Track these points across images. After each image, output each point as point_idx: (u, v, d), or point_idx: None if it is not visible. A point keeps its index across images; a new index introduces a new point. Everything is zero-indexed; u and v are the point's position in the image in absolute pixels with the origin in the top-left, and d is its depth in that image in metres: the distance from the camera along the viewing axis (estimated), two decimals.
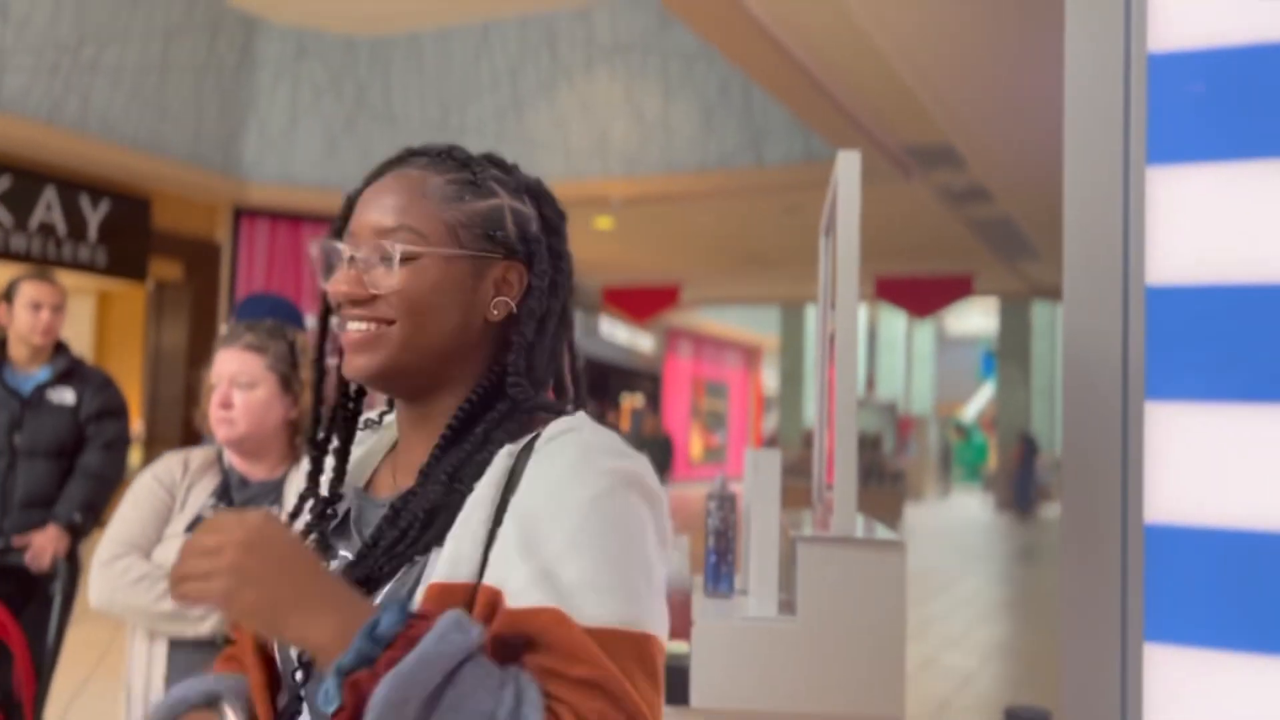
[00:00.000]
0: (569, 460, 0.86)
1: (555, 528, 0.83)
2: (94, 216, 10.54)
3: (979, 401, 26.81)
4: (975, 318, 25.65)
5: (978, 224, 11.46)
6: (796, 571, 1.84)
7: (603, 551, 0.81)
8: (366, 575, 0.89)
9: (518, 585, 0.81)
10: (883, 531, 1.96)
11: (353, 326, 0.94)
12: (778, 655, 1.70)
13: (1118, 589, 1.77)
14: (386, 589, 0.88)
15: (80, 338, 13.53)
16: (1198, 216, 1.70)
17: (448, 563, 0.85)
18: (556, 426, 0.90)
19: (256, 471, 2.00)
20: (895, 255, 12.90)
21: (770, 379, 24.91)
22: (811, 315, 20.87)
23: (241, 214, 11.24)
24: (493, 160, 1.01)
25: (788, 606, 1.91)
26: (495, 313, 0.95)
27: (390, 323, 0.92)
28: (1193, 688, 1.62)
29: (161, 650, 1.86)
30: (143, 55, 9.98)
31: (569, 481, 0.85)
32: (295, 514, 1.01)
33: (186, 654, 1.86)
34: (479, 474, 0.89)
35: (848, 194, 1.80)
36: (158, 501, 1.94)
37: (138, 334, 12.99)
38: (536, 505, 0.85)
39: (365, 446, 1.06)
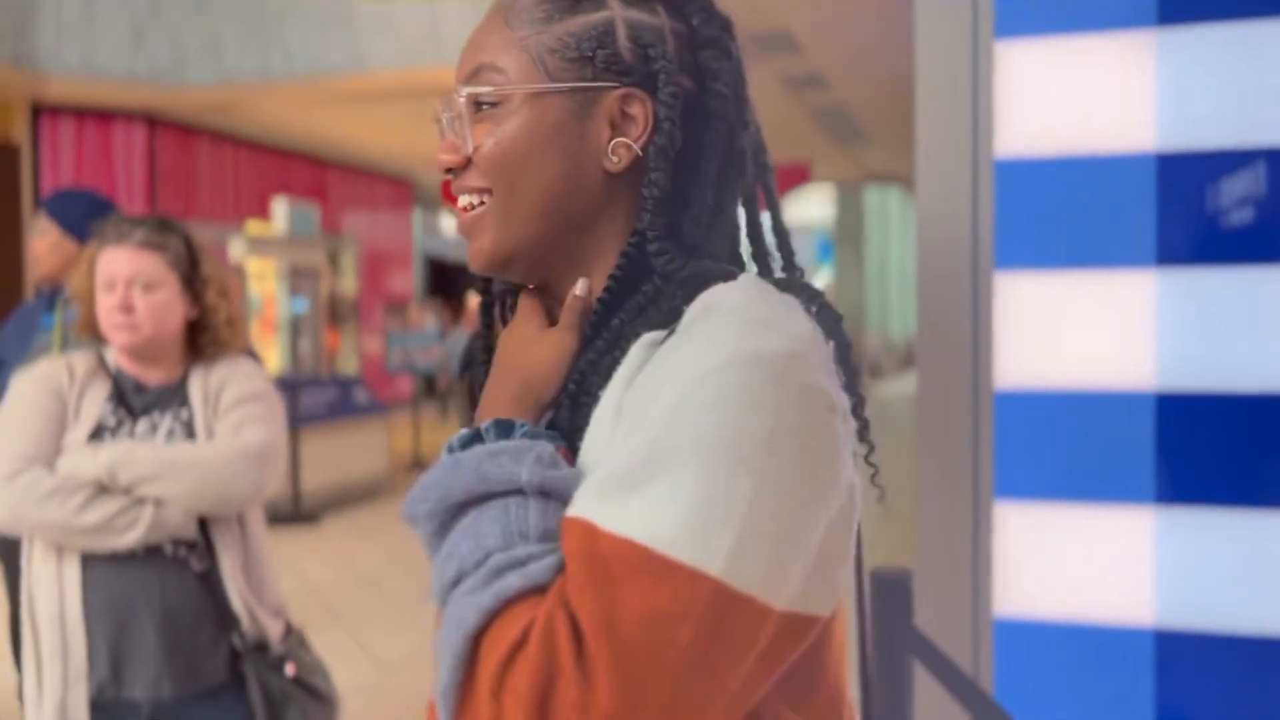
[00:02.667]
0: (694, 336, 0.67)
1: (640, 416, 0.65)
2: None
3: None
4: (812, 206, 26.27)
5: (815, 111, 11.62)
6: None
7: (675, 449, 0.62)
8: None
9: (583, 488, 0.66)
10: None
11: (460, 204, 0.78)
12: None
13: (970, 452, 1.86)
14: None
15: None
16: (1042, 90, 1.75)
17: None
18: (702, 300, 0.70)
19: (152, 376, 1.86)
20: None
21: None
22: None
23: (41, 111, 10.33)
24: None
25: None
26: (615, 158, 0.74)
27: (487, 193, 0.76)
28: (1037, 538, 1.73)
29: (73, 569, 1.74)
30: None
31: (679, 360, 0.66)
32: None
33: (104, 569, 1.74)
34: (608, 378, 0.72)
35: None
36: (49, 411, 1.78)
37: None
38: (640, 393, 0.67)
39: None
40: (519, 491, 0.66)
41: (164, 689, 1.76)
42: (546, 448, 0.68)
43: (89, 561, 1.75)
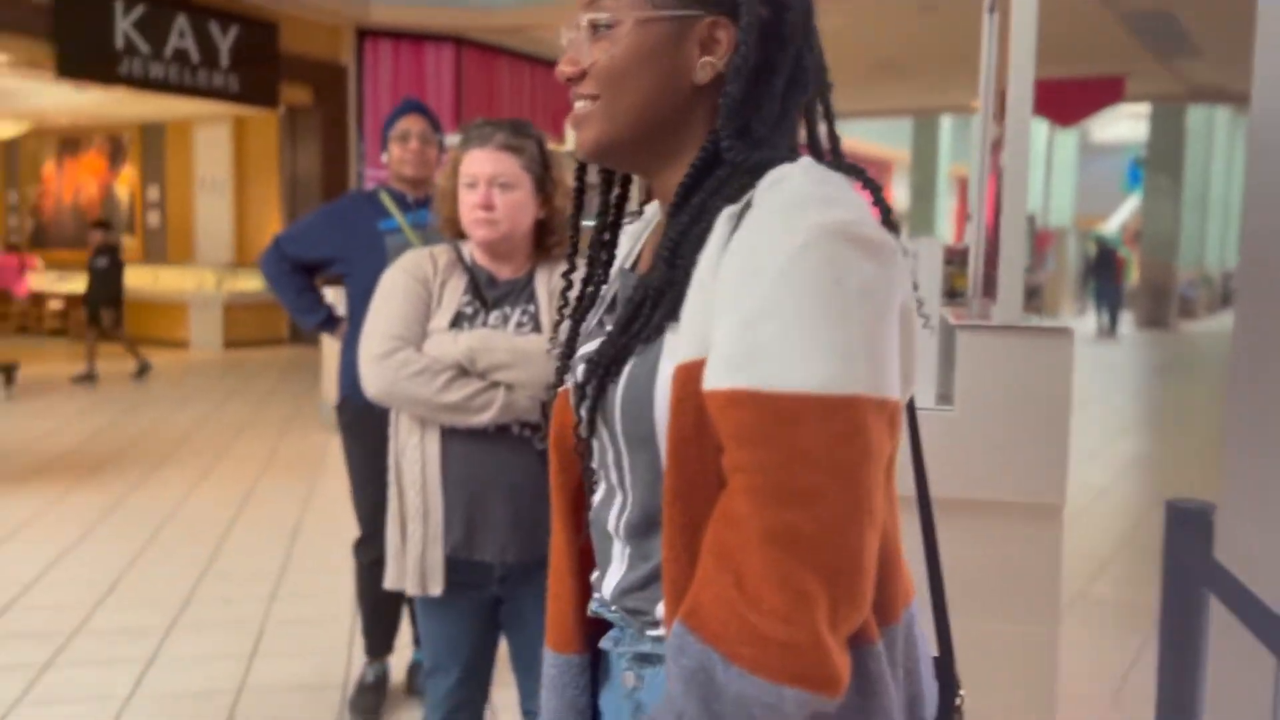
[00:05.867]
0: (771, 215, 0.82)
1: (748, 293, 0.79)
2: (224, 43, 10.68)
3: (1122, 214, 25.54)
4: (1123, 124, 24.12)
5: (1132, 19, 10.60)
6: (955, 361, 1.82)
7: (794, 312, 0.76)
8: (614, 354, 0.90)
9: (713, 361, 0.80)
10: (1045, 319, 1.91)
11: (575, 105, 0.95)
12: (935, 445, 1.71)
13: None
14: (628, 368, 0.89)
15: (220, 164, 13.98)
16: None
17: (687, 340, 0.83)
18: (771, 177, 0.85)
19: (503, 270, 2.02)
20: (1040, 57, 12.10)
21: (899, 195, 24.18)
22: (947, 127, 19.97)
23: (365, 35, 11.22)
24: None
25: (944, 398, 1.90)
26: (702, 73, 0.91)
27: (596, 98, 0.93)
28: None
29: (434, 441, 1.95)
30: None
31: (766, 240, 0.80)
32: (578, 300, 1.05)
33: (460, 444, 1.94)
34: (700, 245, 0.87)
35: None
36: (417, 297, 1.97)
37: (273, 159, 13.34)
38: (736, 269, 0.81)
39: (635, 230, 1.08)
40: None
41: (509, 554, 1.96)
42: None
43: (447, 436, 1.95)
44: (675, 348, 0.84)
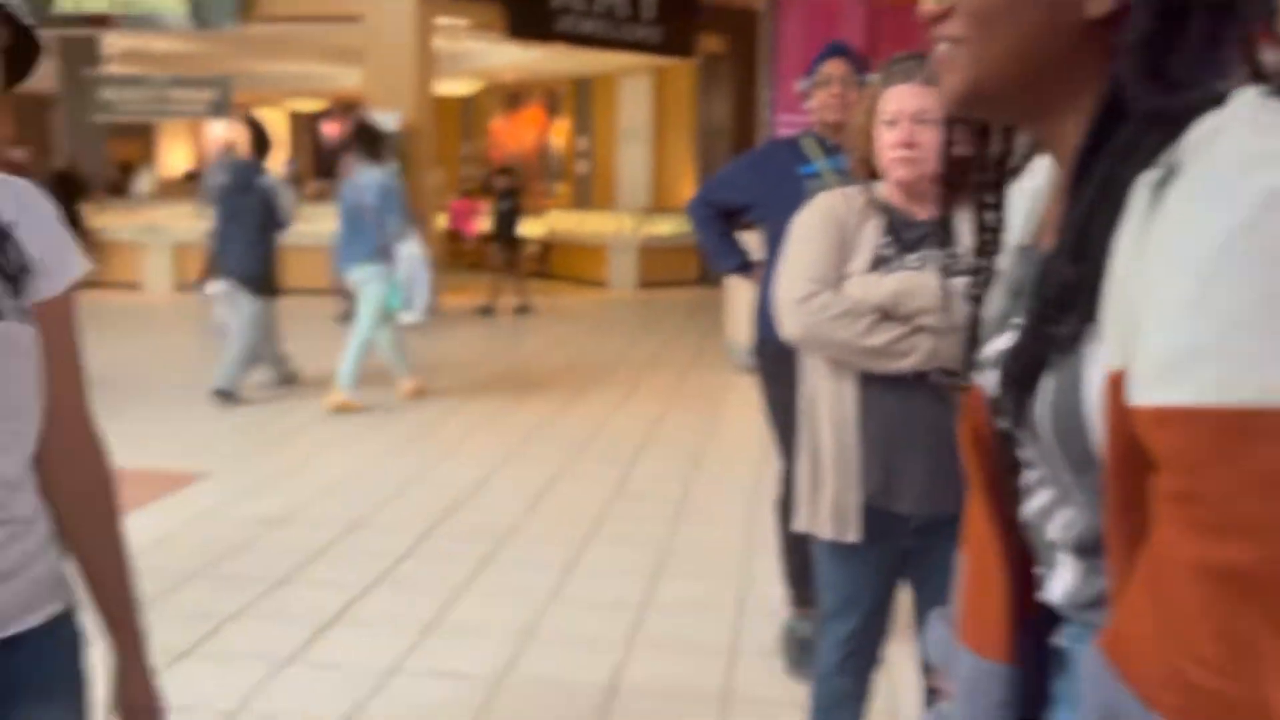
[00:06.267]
0: (1205, 183, 0.64)
1: (1178, 285, 0.63)
2: None
3: None
4: None
5: None
6: None
7: (1240, 306, 0.61)
8: (1026, 365, 0.78)
9: (1137, 370, 0.66)
10: None
11: (938, 49, 0.81)
12: None
13: None
14: (1048, 384, 0.76)
15: (640, 114, 14.79)
16: None
17: (1111, 345, 0.69)
18: (1201, 131, 0.67)
19: (920, 211, 1.93)
20: None
21: None
22: None
23: None
24: None
25: None
26: (1096, 5, 0.73)
27: (961, 40, 0.78)
28: None
29: (850, 385, 1.91)
30: None
31: (1201, 216, 0.63)
32: (973, 275, 0.94)
33: (879, 390, 1.89)
34: (1112, 227, 0.71)
35: None
36: (833, 239, 1.93)
37: (687, 108, 13.88)
38: (1162, 256, 0.65)
39: (1029, 192, 0.93)
40: None
41: (925, 506, 1.88)
42: None
43: (864, 380, 1.89)
44: (1099, 354, 0.71)
